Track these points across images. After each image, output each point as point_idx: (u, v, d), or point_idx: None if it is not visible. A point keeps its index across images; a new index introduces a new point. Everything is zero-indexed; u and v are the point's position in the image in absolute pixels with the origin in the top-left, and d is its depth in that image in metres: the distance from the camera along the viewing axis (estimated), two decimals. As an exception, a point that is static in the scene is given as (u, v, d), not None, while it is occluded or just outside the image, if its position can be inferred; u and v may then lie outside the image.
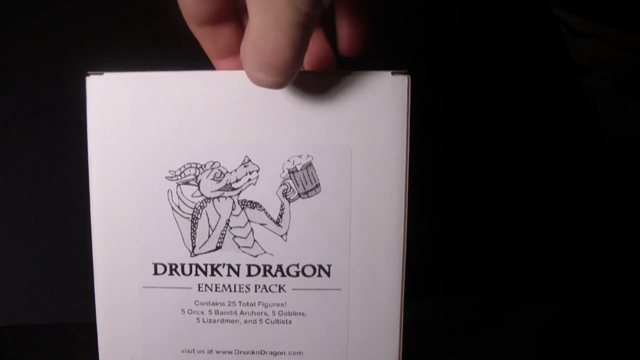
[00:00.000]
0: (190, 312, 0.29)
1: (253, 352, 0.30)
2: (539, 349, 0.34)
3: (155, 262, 0.29)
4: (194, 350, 0.30)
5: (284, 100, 0.28)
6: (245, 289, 0.29)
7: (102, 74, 0.28)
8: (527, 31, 0.48)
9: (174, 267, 0.29)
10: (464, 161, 0.44)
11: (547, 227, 0.44)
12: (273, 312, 0.29)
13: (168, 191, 0.28)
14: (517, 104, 0.46)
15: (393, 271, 0.29)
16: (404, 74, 0.27)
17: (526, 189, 0.45)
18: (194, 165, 0.28)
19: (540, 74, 0.47)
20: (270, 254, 0.29)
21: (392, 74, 0.27)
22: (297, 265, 0.29)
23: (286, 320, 0.29)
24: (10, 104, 0.42)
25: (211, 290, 0.29)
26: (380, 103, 0.28)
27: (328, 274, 0.29)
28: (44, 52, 0.43)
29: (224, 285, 0.29)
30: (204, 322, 0.29)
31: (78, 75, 0.28)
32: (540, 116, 0.47)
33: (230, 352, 0.30)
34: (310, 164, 0.28)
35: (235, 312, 0.29)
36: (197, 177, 0.28)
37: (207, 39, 0.28)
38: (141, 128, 0.28)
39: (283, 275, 0.29)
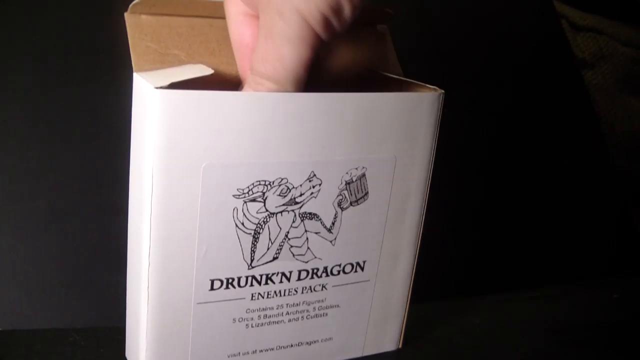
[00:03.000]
0: (240, 320, 0.29)
1: (292, 346, 0.31)
2: (539, 350, 0.35)
3: (213, 278, 0.28)
4: (239, 353, 0.30)
5: (348, 116, 0.28)
6: (293, 292, 0.30)
7: (172, 90, 0.24)
8: (529, 26, 0.47)
9: (230, 281, 0.28)
10: (464, 158, 0.44)
11: (547, 223, 0.44)
12: (314, 308, 0.31)
13: (234, 209, 0.27)
14: (518, 98, 0.46)
15: (408, 260, 0.33)
16: (439, 91, 0.30)
17: (526, 185, 0.45)
18: (262, 183, 0.27)
19: (541, 68, 0.47)
20: (320, 259, 0.30)
21: (430, 90, 0.30)
22: (340, 265, 0.31)
23: (324, 314, 0.31)
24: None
25: (263, 297, 0.29)
26: (421, 117, 0.30)
27: (362, 268, 0.31)
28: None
29: (275, 292, 0.30)
30: (252, 327, 0.30)
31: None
32: (541, 110, 0.46)
33: (272, 349, 0.31)
34: (363, 175, 0.29)
35: (282, 313, 0.30)
36: (264, 193, 0.27)
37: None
38: (210, 146, 0.26)
39: (327, 275, 0.31)
